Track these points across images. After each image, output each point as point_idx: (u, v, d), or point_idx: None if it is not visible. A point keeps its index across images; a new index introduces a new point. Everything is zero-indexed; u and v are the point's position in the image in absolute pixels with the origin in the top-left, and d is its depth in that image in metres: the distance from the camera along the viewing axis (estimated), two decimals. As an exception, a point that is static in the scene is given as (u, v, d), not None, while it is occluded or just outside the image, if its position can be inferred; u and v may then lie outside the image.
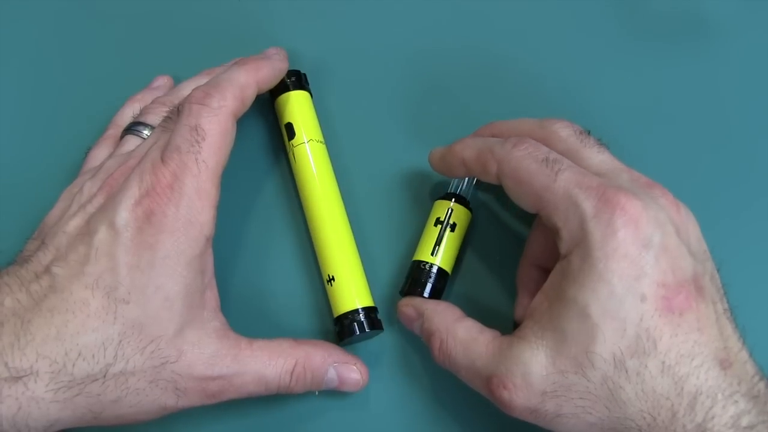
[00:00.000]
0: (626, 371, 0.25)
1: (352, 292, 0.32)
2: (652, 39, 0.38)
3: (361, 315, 0.32)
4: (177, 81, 0.37)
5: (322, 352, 0.30)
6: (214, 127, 0.28)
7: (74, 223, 0.28)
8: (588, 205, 0.26)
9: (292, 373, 0.29)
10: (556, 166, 0.27)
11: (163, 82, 0.37)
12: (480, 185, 0.35)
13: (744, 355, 0.26)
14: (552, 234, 0.28)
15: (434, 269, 0.32)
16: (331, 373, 0.31)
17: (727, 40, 0.37)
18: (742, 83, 0.37)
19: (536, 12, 0.38)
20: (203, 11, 0.38)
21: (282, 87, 0.35)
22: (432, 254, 0.32)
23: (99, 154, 0.33)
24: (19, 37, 0.38)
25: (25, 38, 0.38)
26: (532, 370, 0.26)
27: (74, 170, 0.31)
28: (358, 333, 0.31)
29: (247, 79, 0.31)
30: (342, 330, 0.32)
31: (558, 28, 0.38)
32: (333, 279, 0.32)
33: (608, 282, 0.25)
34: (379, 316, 0.33)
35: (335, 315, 0.32)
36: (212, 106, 0.29)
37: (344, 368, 0.31)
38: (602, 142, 0.29)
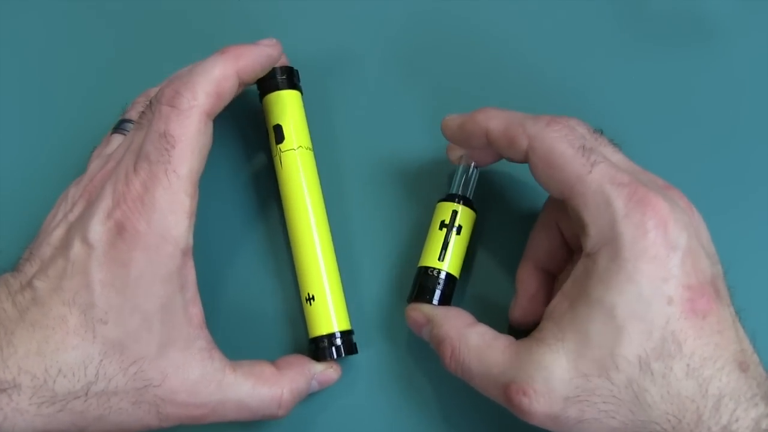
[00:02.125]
0: (651, 374, 0.24)
1: (331, 315, 0.32)
2: (652, 39, 0.38)
3: (338, 339, 0.31)
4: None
5: (304, 371, 0.31)
6: (185, 131, 0.26)
7: (57, 234, 0.28)
8: (619, 204, 0.25)
9: (280, 403, 0.29)
10: (593, 157, 0.26)
11: None
12: (480, 183, 0.34)
13: (756, 357, 0.26)
14: (575, 228, 0.27)
15: (442, 275, 0.31)
16: (313, 385, 0.31)
17: (728, 39, 0.38)
18: (743, 83, 0.37)
19: (535, 12, 0.38)
20: (205, 12, 0.38)
21: (272, 85, 0.33)
22: (439, 259, 0.31)
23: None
24: (21, 39, 0.37)
25: (28, 40, 0.37)
26: (553, 375, 0.25)
27: (80, 170, 0.31)
28: (335, 357, 0.31)
29: (224, 71, 0.28)
30: (318, 351, 0.32)
31: (557, 28, 0.38)
32: (313, 298, 0.32)
33: (637, 283, 0.24)
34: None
35: (312, 335, 0.32)
36: (181, 107, 0.27)
37: (323, 375, 0.32)
38: (615, 143, 0.29)
